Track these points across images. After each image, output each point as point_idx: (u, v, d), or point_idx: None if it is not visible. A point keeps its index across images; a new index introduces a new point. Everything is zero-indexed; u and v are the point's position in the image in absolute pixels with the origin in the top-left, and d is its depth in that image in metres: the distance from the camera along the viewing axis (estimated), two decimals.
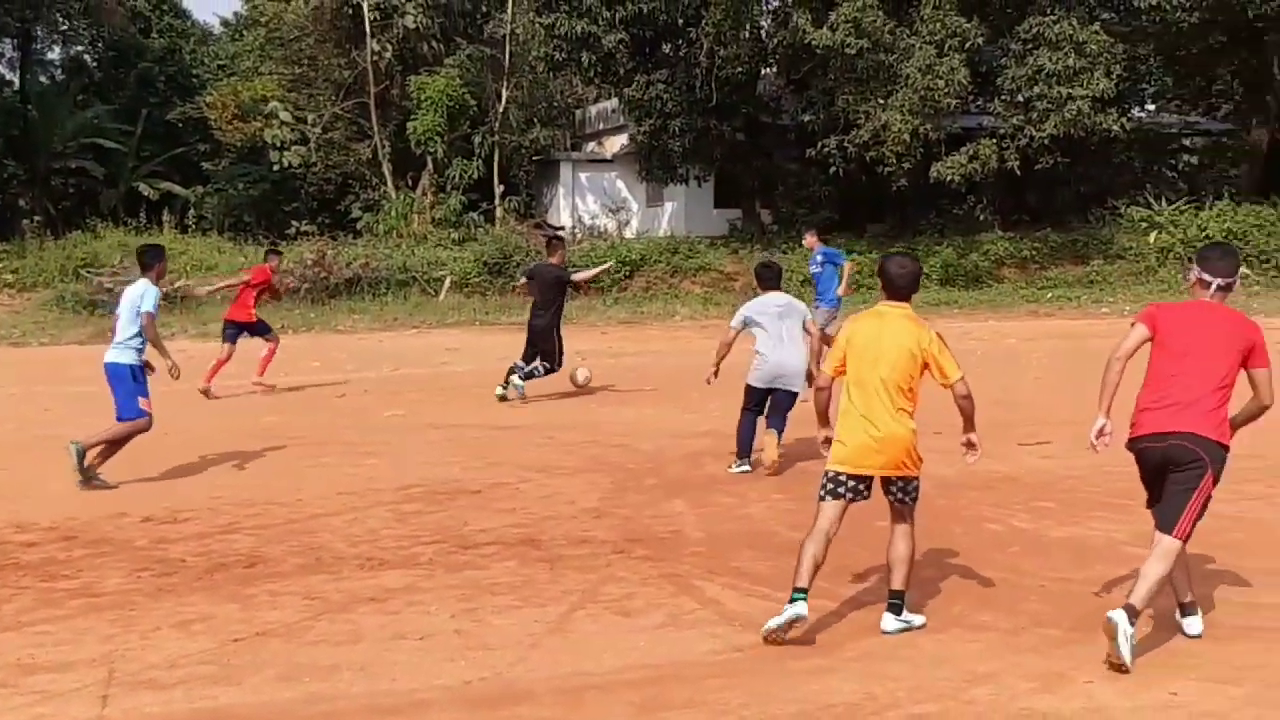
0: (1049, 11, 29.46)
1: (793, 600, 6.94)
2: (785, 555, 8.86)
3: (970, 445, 7.38)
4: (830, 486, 7.21)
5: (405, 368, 20.42)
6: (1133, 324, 7.06)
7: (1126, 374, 6.89)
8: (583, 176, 39.97)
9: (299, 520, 10.02)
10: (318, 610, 7.59)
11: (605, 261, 20.22)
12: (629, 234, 36.73)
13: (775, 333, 11.70)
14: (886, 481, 7.24)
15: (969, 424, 7.32)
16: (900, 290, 7.37)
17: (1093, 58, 28.82)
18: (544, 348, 16.20)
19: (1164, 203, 32.91)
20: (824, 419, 7.58)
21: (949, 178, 29.75)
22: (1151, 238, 31.82)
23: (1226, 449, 6.74)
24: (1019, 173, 30.51)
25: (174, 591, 8.03)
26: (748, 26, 31.32)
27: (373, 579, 8.28)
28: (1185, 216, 32.21)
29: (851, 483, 7.18)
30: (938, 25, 28.68)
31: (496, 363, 20.64)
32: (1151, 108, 39.46)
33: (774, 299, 11.93)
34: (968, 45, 29.11)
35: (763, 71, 34.23)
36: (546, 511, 10.28)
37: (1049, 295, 30.48)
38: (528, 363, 16.22)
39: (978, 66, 31.24)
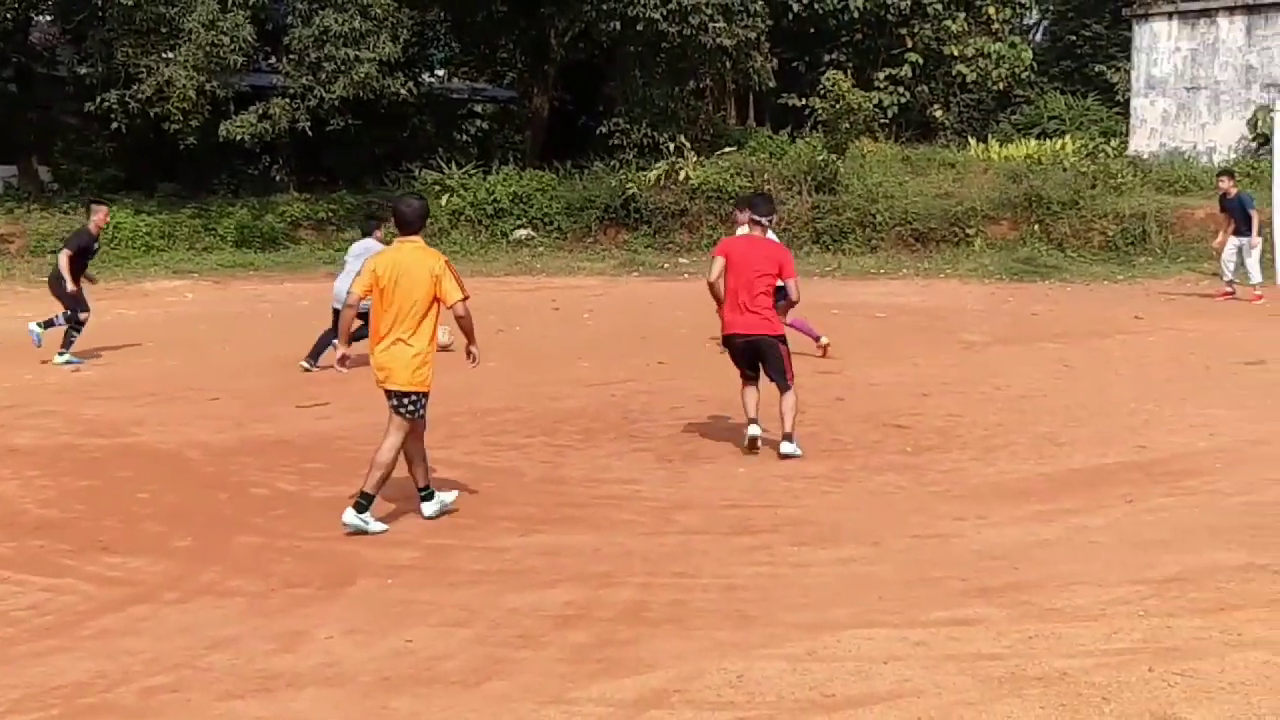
0: None
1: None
2: (31, 534, 8.33)
3: (471, 356, 8.58)
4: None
5: None
6: (714, 257, 10.57)
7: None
8: None
9: None
10: None
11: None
12: None
13: (348, 269, 14.51)
14: (389, 393, 8.29)
15: (468, 338, 8.50)
16: (410, 225, 8.39)
17: (379, 21, 29.10)
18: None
19: (455, 167, 33.98)
20: (345, 338, 8.75)
21: (239, 137, 29.12)
22: (444, 201, 32.73)
23: (784, 337, 10.48)
24: (311, 134, 30.44)
25: None
26: None
27: None
28: (475, 180, 33.36)
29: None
30: None
31: None
32: (441, 73, 40.62)
33: (366, 242, 15.08)
34: (253, 2, 28.59)
35: (35, 19, 31.90)
36: None
37: (344, 257, 30.66)
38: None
39: (265, 24, 30.78)
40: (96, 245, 16.30)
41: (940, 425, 11.37)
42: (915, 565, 7.33)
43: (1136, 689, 5.39)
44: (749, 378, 10.57)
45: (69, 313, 15.80)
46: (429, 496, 8.55)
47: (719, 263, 10.42)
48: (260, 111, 29.30)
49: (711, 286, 10.46)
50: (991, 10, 37.31)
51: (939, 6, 36.87)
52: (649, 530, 8.28)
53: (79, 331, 15.89)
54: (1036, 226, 27.45)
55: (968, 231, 27.96)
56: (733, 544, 7.89)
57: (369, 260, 8.57)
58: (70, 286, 15.57)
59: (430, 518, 8.48)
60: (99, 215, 16.29)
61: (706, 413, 12.11)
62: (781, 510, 8.69)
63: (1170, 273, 24.46)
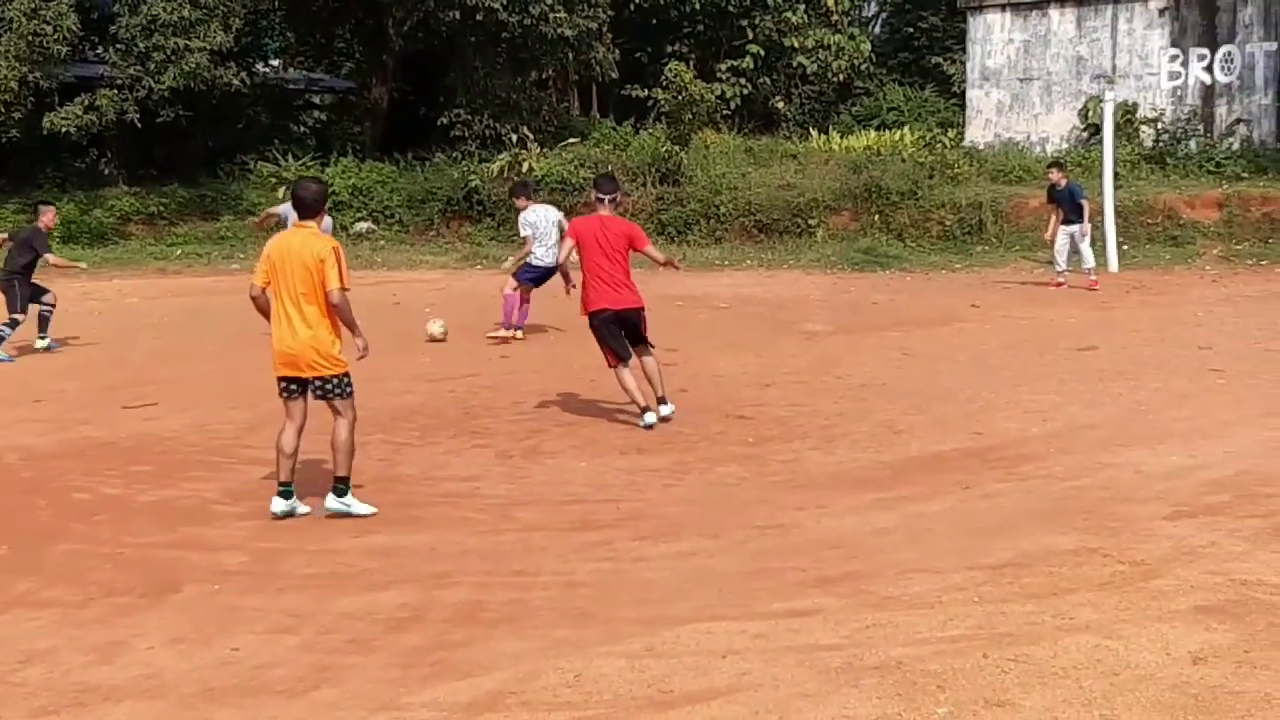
0: None
1: (282, 494, 8.23)
2: None
3: (359, 348, 8.41)
4: (281, 386, 8.31)
5: None
6: (564, 237, 11.53)
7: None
8: None
9: None
10: None
11: (80, 264, 17.50)
12: None
13: None
14: (308, 382, 8.23)
15: (351, 329, 8.29)
16: (307, 209, 8.31)
17: (209, 9, 28.32)
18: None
19: (291, 159, 33.30)
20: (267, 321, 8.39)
21: (65, 129, 28.17)
22: (280, 193, 31.96)
23: (644, 306, 11.01)
24: (141, 126, 29.56)
25: None
26: None
27: None
28: (313, 172, 32.78)
29: (284, 383, 8.28)
30: None
31: None
32: (277, 63, 39.77)
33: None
34: None
35: None
36: None
37: (179, 252, 29.84)
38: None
39: (90, 13, 29.82)
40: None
41: (782, 415, 11.39)
42: (755, 557, 7.29)
43: (971, 675, 5.40)
44: (619, 358, 10.91)
45: (11, 316, 15.69)
46: (343, 492, 8.39)
47: (569, 244, 11.14)
48: (86, 103, 28.38)
49: (561, 265, 11.56)
50: (831, 2, 37.75)
51: None
52: (488, 528, 8.12)
53: (12, 330, 15.63)
54: (876, 217, 27.80)
55: (810, 222, 28.21)
56: (573, 540, 7.77)
57: (266, 245, 8.42)
58: (53, 261, 16.12)
59: (330, 510, 8.34)
60: (47, 216, 16.37)
61: (549, 407, 11.97)
62: (623, 504, 8.59)
63: (1006, 261, 24.97)
